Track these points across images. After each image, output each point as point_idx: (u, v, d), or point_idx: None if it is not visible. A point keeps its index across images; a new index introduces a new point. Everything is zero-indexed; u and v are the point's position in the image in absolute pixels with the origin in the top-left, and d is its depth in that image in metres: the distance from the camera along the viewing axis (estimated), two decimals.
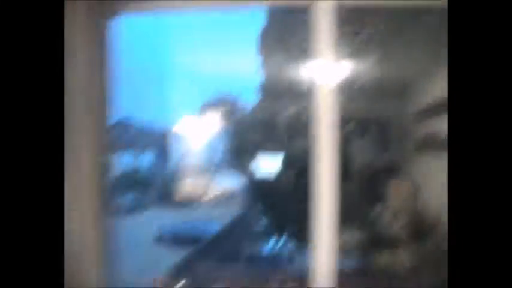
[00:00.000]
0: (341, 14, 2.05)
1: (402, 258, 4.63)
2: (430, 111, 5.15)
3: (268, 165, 7.76)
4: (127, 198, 9.63)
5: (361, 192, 6.40)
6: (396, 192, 5.88)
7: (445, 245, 4.45)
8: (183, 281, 1.94)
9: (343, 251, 5.39)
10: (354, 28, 4.00)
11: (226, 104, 9.09)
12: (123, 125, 10.24)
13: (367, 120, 6.64)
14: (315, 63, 2.05)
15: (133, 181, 9.80)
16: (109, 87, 2.06)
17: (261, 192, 7.98)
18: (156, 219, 9.05)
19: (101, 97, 2.10)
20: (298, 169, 6.56)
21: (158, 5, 2.12)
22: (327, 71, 2.06)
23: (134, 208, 9.48)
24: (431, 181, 5.40)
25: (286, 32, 4.65)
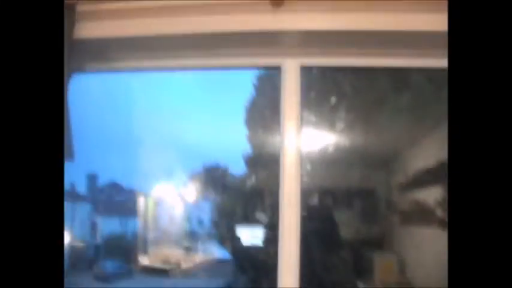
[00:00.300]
0: (313, 75, 2.06)
1: None
2: (416, 182, 5.14)
3: (252, 236, 7.62)
4: (108, 265, 9.38)
5: (345, 266, 6.25)
6: (381, 265, 5.74)
7: None
8: None
9: None
10: (331, 92, 4.06)
11: (213, 173, 9.07)
12: (112, 188, 10.17)
13: (349, 190, 6.60)
14: (289, 129, 2.04)
15: (117, 247, 9.58)
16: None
17: (244, 263, 7.79)
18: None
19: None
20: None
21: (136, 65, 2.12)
22: (301, 138, 2.04)
23: (116, 275, 9.20)
24: (417, 254, 5.30)
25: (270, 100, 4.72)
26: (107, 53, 1.93)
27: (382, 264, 5.74)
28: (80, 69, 1.99)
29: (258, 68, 2.18)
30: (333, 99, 3.98)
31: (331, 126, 4.26)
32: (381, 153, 5.87)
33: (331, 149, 4.93)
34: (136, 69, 2.14)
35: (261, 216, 6.97)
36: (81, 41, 1.83)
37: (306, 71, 2.11)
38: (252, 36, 1.93)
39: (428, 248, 4.81)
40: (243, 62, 2.18)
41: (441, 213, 4.40)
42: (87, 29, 1.86)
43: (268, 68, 2.13)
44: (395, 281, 5.54)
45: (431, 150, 4.76)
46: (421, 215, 4.87)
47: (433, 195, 4.53)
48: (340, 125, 4.67)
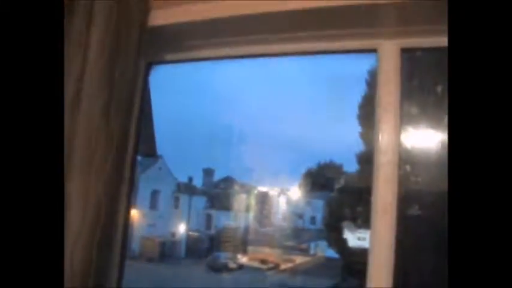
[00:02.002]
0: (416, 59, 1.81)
1: None
2: None
3: (361, 238, 7.37)
4: (221, 256, 9.70)
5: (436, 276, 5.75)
6: None
7: None
8: None
9: None
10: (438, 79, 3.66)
11: (327, 171, 8.94)
12: (226, 183, 10.50)
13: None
14: (385, 123, 1.81)
15: (230, 240, 9.86)
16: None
17: (353, 265, 7.56)
18: (248, 281, 8.96)
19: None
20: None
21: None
22: (400, 134, 1.81)
23: (226, 267, 9.49)
24: None
25: None
26: (189, 40, 1.85)
27: None
28: (161, 60, 1.93)
29: (352, 52, 1.96)
30: (440, 88, 3.55)
31: (438, 119, 3.87)
32: None
33: (437, 147, 4.51)
34: (219, 57, 2.02)
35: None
36: (157, 29, 1.77)
37: (407, 54, 1.85)
38: (345, 13, 1.73)
39: None
40: (333, 46, 1.97)
41: None
42: (163, 16, 1.79)
43: (363, 51, 1.88)
44: None
45: None
46: None
47: None
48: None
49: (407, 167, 1.95)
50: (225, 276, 9.19)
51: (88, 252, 1.32)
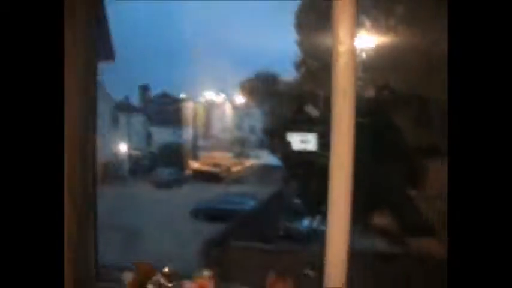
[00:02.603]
0: None
1: (435, 246, 4.45)
2: None
3: (304, 142, 7.62)
4: (165, 172, 9.78)
5: (397, 174, 6.18)
6: (434, 175, 5.65)
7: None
8: (166, 267, 1.83)
9: (374, 233, 5.29)
10: None
11: (264, 79, 8.97)
12: (163, 98, 10.33)
13: (408, 96, 6.36)
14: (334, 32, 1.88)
15: (172, 155, 9.92)
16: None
17: (296, 170, 7.89)
18: (192, 194, 9.14)
19: None
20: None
21: None
22: (347, 42, 1.88)
23: (171, 182, 9.61)
24: None
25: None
26: None
27: (435, 172, 5.64)
28: None
29: None
30: None
31: (388, 26, 4.01)
32: (442, 58, 5.54)
33: (387, 51, 4.70)
34: None
35: (312, 109, 6.87)
36: None
37: None
38: None
39: None
40: None
41: None
42: None
43: None
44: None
45: None
46: None
47: None
48: (398, 25, 4.39)
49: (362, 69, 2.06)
50: (170, 191, 9.36)
51: None
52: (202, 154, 9.69)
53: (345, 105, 1.86)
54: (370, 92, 5.41)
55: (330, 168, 1.90)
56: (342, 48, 1.86)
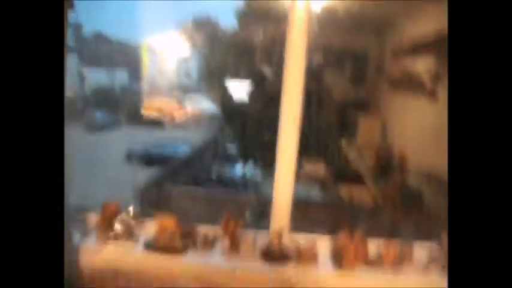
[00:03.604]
0: None
1: (365, 192, 4.82)
2: (409, 50, 5.15)
3: (242, 91, 7.74)
4: (98, 116, 9.55)
5: (330, 125, 6.51)
6: (365, 128, 6.01)
7: (408, 183, 4.68)
8: (131, 208, 1.97)
9: (309, 181, 5.62)
10: None
11: (203, 25, 8.86)
12: (98, 39, 9.94)
13: (342, 53, 6.61)
14: None
15: (106, 98, 9.69)
16: None
17: (231, 116, 8.02)
18: (126, 138, 9.06)
19: None
20: (269, 96, 6.60)
21: None
22: None
23: (105, 126, 9.43)
24: (401, 120, 5.51)
25: None
26: None
27: (366, 125, 6.00)
28: None
29: None
30: None
31: None
32: (377, 18, 5.78)
33: (326, 10, 4.84)
34: None
35: (266, 69, 6.96)
36: None
37: None
38: None
39: (412, 116, 5.00)
40: None
41: (430, 83, 4.50)
42: None
43: None
44: (377, 143, 5.84)
45: (430, 19, 4.71)
46: (410, 83, 4.96)
47: (425, 65, 4.58)
48: None
49: (316, 28, 2.20)
50: (104, 135, 9.22)
51: None
52: (144, 99, 9.50)
53: (297, 61, 2.02)
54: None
55: (280, 120, 2.06)
56: (298, 3, 1.99)
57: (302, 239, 1.98)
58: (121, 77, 9.98)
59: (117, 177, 7.71)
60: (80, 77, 9.59)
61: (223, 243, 1.96)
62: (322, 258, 1.92)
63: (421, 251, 1.98)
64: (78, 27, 9.73)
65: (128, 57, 9.58)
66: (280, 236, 1.94)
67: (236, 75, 7.90)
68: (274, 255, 1.90)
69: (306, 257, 1.88)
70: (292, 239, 1.97)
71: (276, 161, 2.07)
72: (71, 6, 2.31)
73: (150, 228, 2.02)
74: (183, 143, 8.92)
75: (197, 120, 9.34)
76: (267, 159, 6.25)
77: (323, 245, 2.01)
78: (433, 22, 4.53)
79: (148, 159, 8.32)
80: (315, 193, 5.38)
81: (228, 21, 8.20)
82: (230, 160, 8.61)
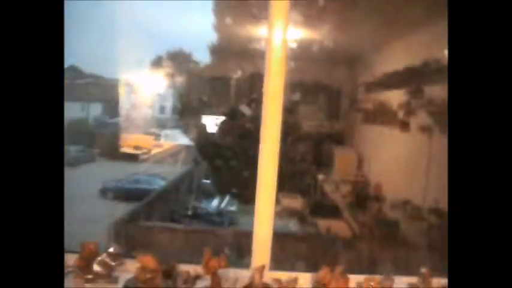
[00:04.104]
0: None
1: (343, 225, 4.84)
2: (381, 84, 5.28)
3: (215, 125, 7.76)
4: (73, 150, 9.40)
5: (306, 159, 6.56)
6: (341, 161, 6.07)
7: (384, 212, 4.72)
8: (112, 248, 1.94)
9: (286, 215, 5.61)
10: None
11: (178, 59, 8.91)
12: (72, 72, 9.86)
13: (317, 87, 6.73)
14: (268, 27, 2.04)
15: (81, 132, 9.56)
16: None
17: (207, 151, 8.00)
18: (101, 173, 8.92)
19: None
20: (243, 131, 6.64)
21: None
22: (280, 36, 2.05)
23: (79, 160, 9.28)
24: (376, 152, 5.60)
25: None
26: None
27: (342, 158, 6.07)
28: None
29: None
30: None
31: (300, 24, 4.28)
32: (350, 52, 5.93)
33: (300, 45, 4.94)
34: None
35: (245, 109, 7.01)
36: None
37: None
38: None
39: (386, 147, 5.10)
40: None
41: (402, 115, 4.61)
42: None
43: None
44: (353, 174, 5.90)
45: (400, 54, 4.86)
46: (383, 115, 5.08)
47: (397, 97, 4.70)
48: (309, 24, 4.64)
49: (292, 63, 2.25)
50: (78, 169, 9.06)
51: None
52: (120, 134, 9.40)
53: (275, 97, 2.05)
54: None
55: (260, 154, 2.07)
56: (276, 41, 2.03)
57: (283, 276, 1.97)
58: (96, 110, 9.90)
59: (92, 213, 7.56)
60: None
61: (205, 282, 1.93)
62: None
63: (402, 286, 1.99)
64: None
65: (102, 91, 9.51)
66: (261, 273, 1.92)
67: (212, 110, 7.94)
68: None
69: None
70: (273, 277, 1.96)
71: (256, 196, 2.07)
72: None
73: (130, 268, 1.97)
74: (158, 178, 8.84)
75: (172, 154, 9.28)
76: (244, 194, 6.24)
77: (304, 281, 2.00)
78: (403, 57, 4.67)
79: (123, 193, 8.19)
80: (293, 227, 5.37)
81: (203, 56, 8.29)
82: (206, 195, 8.54)
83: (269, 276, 1.97)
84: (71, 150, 9.36)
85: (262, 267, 1.92)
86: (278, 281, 1.90)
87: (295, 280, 1.90)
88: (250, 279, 1.92)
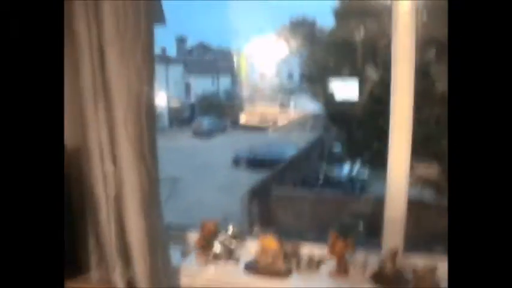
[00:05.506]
0: None
1: None
2: None
3: (345, 90, 7.49)
4: (205, 122, 9.84)
5: (439, 122, 6.03)
6: None
7: None
8: (231, 226, 1.88)
9: (421, 182, 5.24)
10: None
11: (302, 27, 8.78)
12: (201, 49, 10.26)
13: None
14: None
15: (212, 105, 9.96)
16: None
17: (337, 117, 7.81)
18: (232, 143, 9.20)
19: None
20: (376, 95, 6.32)
21: None
22: None
23: (212, 131, 9.68)
24: None
25: None
26: None
27: None
28: None
29: None
30: None
31: None
32: None
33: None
34: None
35: (371, 71, 6.71)
36: None
37: None
38: None
39: None
40: None
41: None
42: None
43: None
44: None
45: None
46: None
47: None
48: None
49: (424, 16, 1.95)
50: (210, 140, 9.45)
51: None
52: (246, 107, 9.62)
53: (405, 58, 1.81)
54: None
55: (390, 121, 1.86)
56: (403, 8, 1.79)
57: (419, 260, 1.76)
58: (225, 83, 10.18)
59: (224, 182, 7.87)
60: (185, 87, 9.95)
61: (330, 265, 1.80)
62: (444, 284, 1.68)
63: None
64: (181, 40, 10.13)
65: (229, 64, 9.75)
66: (393, 256, 1.73)
67: (338, 74, 7.69)
68: (387, 279, 1.71)
69: (425, 282, 1.65)
70: (407, 261, 1.76)
71: (387, 164, 1.87)
72: (163, 20, 2.30)
73: (251, 248, 1.93)
74: (289, 146, 8.88)
75: (302, 122, 9.23)
76: (375, 159, 5.99)
77: (444, 270, 1.77)
78: None
79: (255, 162, 8.38)
80: (428, 197, 5.02)
81: (325, 21, 8.05)
82: (337, 160, 8.40)
83: (403, 260, 1.77)
84: (203, 122, 9.82)
85: (395, 254, 1.73)
86: (414, 271, 1.69)
87: (433, 266, 1.67)
88: (381, 264, 1.74)
